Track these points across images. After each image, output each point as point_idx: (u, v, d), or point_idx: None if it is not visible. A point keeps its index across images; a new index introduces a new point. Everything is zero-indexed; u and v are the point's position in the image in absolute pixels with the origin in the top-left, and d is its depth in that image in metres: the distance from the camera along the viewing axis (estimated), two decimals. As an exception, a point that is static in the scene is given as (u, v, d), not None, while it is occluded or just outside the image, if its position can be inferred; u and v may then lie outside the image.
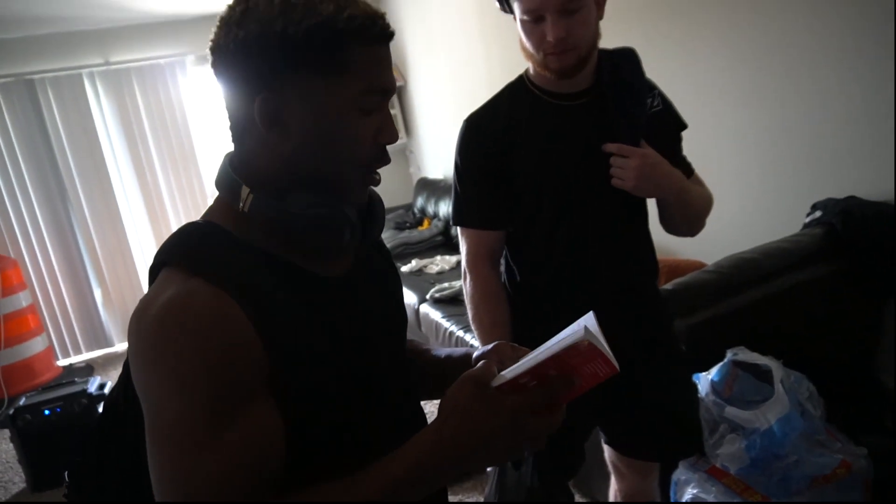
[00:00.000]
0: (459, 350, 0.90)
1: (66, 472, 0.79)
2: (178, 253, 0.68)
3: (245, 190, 0.70)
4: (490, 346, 0.79)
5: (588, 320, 0.68)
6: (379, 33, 0.69)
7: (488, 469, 2.44)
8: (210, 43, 0.69)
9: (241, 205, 0.70)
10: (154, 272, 0.69)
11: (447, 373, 0.82)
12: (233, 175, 0.72)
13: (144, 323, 0.64)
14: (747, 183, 2.37)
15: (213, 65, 0.70)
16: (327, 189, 0.71)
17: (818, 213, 2.02)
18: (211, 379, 0.61)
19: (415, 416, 0.86)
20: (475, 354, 0.80)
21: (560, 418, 0.68)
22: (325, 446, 0.69)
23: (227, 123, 0.73)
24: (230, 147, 0.77)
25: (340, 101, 0.68)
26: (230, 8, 0.68)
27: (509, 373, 0.66)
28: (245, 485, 0.61)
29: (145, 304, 0.65)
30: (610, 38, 1.35)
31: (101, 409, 0.81)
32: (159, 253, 0.69)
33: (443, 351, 0.92)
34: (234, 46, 0.67)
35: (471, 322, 1.37)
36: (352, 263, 0.79)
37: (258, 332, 0.63)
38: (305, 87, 0.67)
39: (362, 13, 0.67)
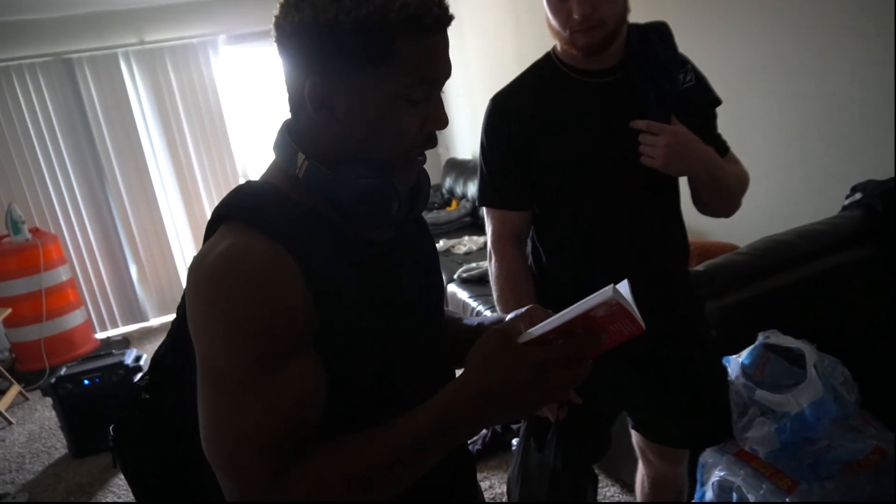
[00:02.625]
0: (492, 316, 0.92)
1: (111, 427, 0.83)
2: (237, 207, 0.70)
3: (301, 157, 0.72)
4: (523, 310, 0.80)
5: (622, 286, 0.68)
6: (432, 23, 0.68)
7: (513, 448, 2.45)
8: (273, 18, 0.71)
9: (296, 171, 0.72)
10: (212, 227, 0.71)
11: (481, 335, 0.84)
12: (290, 142, 0.74)
13: (203, 270, 0.66)
14: (785, 164, 2.31)
15: (275, 40, 0.72)
16: (374, 167, 0.72)
17: (858, 196, 1.96)
18: (263, 327, 0.63)
19: (447, 380, 0.87)
20: (508, 318, 0.81)
21: (586, 372, 0.68)
22: (362, 402, 0.72)
23: (286, 95, 0.75)
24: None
25: (387, 92, 0.68)
26: None
27: (536, 330, 0.67)
28: (287, 431, 0.64)
29: (204, 253, 0.68)
30: (645, 11, 1.31)
31: (147, 367, 0.85)
32: (219, 208, 0.72)
33: (475, 319, 0.93)
34: (290, 28, 0.68)
35: (496, 302, 1.37)
36: (393, 232, 0.80)
37: (309, 286, 0.66)
38: (353, 75, 0.68)
39: (415, 2, 0.66)
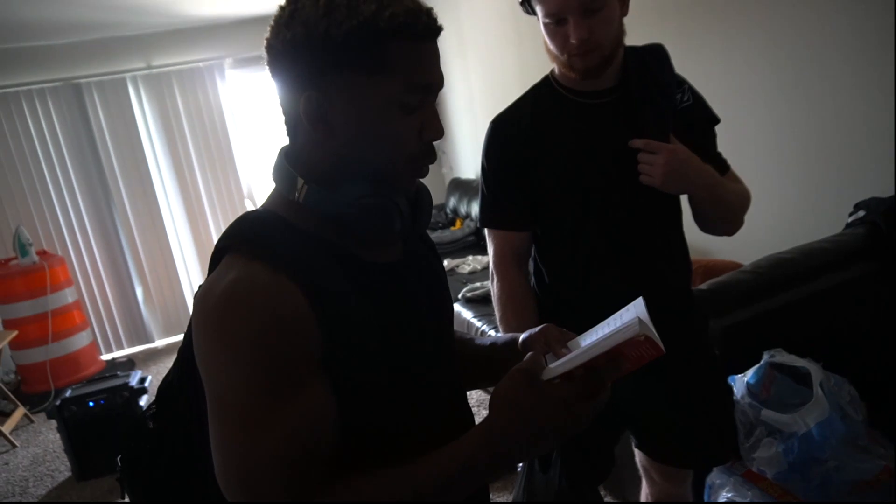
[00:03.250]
0: (504, 336, 0.91)
1: (118, 457, 0.83)
2: (239, 239, 0.71)
3: (300, 181, 0.73)
4: (537, 330, 0.80)
5: (638, 307, 0.68)
6: (423, 30, 0.69)
7: (518, 469, 2.43)
8: (264, 42, 0.72)
9: (296, 195, 0.73)
10: (216, 258, 0.72)
11: (493, 357, 0.84)
12: (288, 167, 0.74)
13: (208, 304, 0.67)
14: (787, 182, 2.31)
15: (268, 63, 0.73)
16: (376, 181, 0.72)
17: (861, 213, 1.96)
18: (270, 358, 0.64)
19: (459, 401, 0.87)
20: (522, 338, 0.81)
21: (606, 396, 0.69)
22: (373, 423, 0.72)
23: (283, 118, 0.76)
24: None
25: (382, 100, 0.69)
26: (280, 9, 0.71)
27: (560, 367, 0.67)
28: (300, 459, 0.64)
29: (209, 286, 0.68)
30: (645, 33, 1.33)
31: (153, 395, 0.84)
32: (221, 240, 0.72)
33: (487, 339, 0.93)
34: (283, 47, 0.69)
35: (498, 322, 1.37)
36: (401, 253, 0.81)
37: (315, 313, 0.66)
38: (348, 86, 0.69)
39: (405, 10, 0.67)
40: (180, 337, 5.61)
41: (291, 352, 0.65)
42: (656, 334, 0.67)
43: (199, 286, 0.72)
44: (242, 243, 0.70)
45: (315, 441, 0.65)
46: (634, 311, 0.66)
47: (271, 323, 0.64)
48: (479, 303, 3.16)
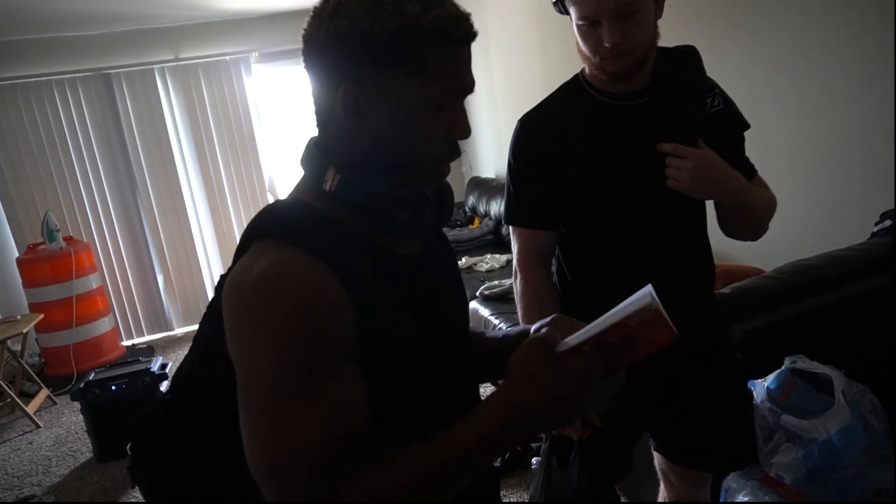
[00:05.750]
0: (516, 328, 0.92)
1: (128, 445, 0.83)
2: (271, 225, 0.72)
3: (332, 171, 0.73)
4: (548, 319, 0.80)
5: (647, 290, 0.69)
6: (462, 35, 0.71)
7: (533, 467, 2.44)
8: (302, 32, 0.73)
9: (326, 185, 0.74)
10: (244, 245, 0.73)
11: (505, 349, 0.85)
12: (319, 157, 0.76)
13: (242, 288, 0.67)
14: (813, 189, 2.29)
15: (304, 52, 0.74)
16: (402, 175, 0.74)
17: (888, 223, 1.94)
18: (307, 342, 0.64)
19: (474, 394, 0.89)
20: (533, 328, 0.82)
21: (622, 381, 0.69)
22: (394, 416, 0.72)
23: (314, 108, 0.77)
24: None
25: (418, 99, 0.71)
26: (324, 1, 0.72)
27: (573, 339, 0.68)
28: (334, 445, 0.65)
29: (241, 271, 0.68)
30: (672, 35, 1.33)
31: (169, 384, 0.84)
32: (251, 227, 0.73)
33: (499, 332, 0.95)
34: (325, 38, 0.70)
35: (520, 319, 1.38)
36: (422, 246, 0.82)
37: (350, 299, 0.67)
38: (387, 82, 0.70)
39: (448, 15, 0.69)
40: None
41: (328, 337, 0.65)
42: (667, 316, 0.67)
43: (227, 272, 0.72)
44: (275, 229, 0.70)
45: (347, 428, 0.66)
46: (646, 290, 0.67)
47: (309, 307, 0.64)
48: (498, 300, 3.18)
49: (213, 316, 0.74)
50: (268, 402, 0.64)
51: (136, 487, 0.84)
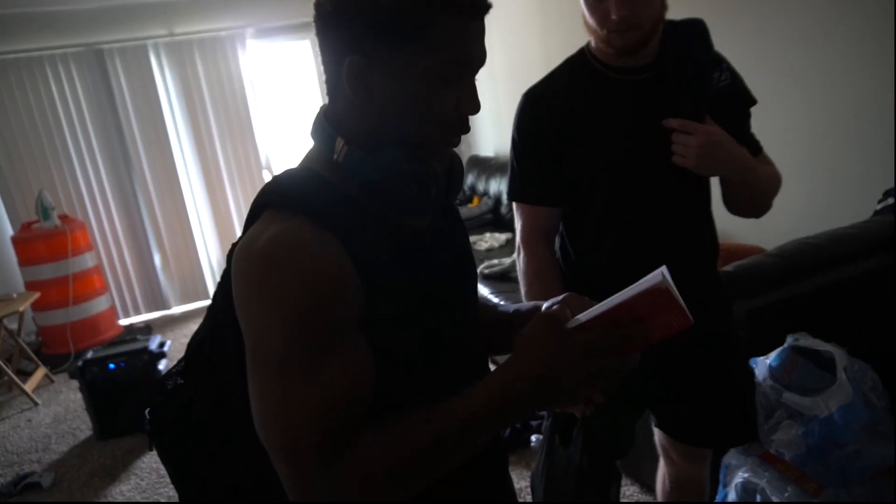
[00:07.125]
0: (527, 304, 0.92)
1: (146, 410, 0.84)
2: (280, 194, 0.72)
3: (340, 142, 0.73)
4: (559, 298, 0.80)
5: (662, 271, 0.67)
6: (471, 6, 0.69)
7: (533, 444, 2.45)
8: (314, 0, 0.72)
9: (335, 156, 0.73)
10: (254, 214, 0.72)
11: (516, 323, 0.84)
12: (328, 127, 0.75)
13: (251, 256, 0.67)
14: (816, 166, 2.28)
15: (315, 21, 0.73)
16: (410, 148, 0.73)
17: (891, 200, 1.94)
18: (315, 310, 0.64)
19: (482, 369, 0.89)
20: (545, 305, 0.81)
21: (634, 363, 0.69)
22: (400, 389, 0.72)
23: (323, 78, 0.76)
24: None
25: (424, 71, 0.69)
26: None
27: (583, 316, 0.67)
28: (340, 413, 0.65)
29: (251, 239, 0.68)
30: (679, 7, 1.31)
31: (172, 361, 0.85)
32: (261, 195, 0.73)
33: (511, 306, 0.94)
34: (331, 7, 0.70)
35: (524, 297, 1.37)
36: (430, 220, 0.81)
37: (357, 270, 0.67)
38: (391, 54, 0.69)
39: None
40: (196, 304, 5.61)
41: (335, 305, 0.65)
42: (682, 301, 0.65)
43: (237, 241, 0.72)
44: (285, 198, 0.71)
45: (353, 395, 0.66)
46: (657, 273, 0.65)
47: (317, 275, 0.65)
48: (498, 279, 3.16)
49: (225, 285, 0.74)
50: (277, 369, 0.65)
51: (154, 450, 0.85)
